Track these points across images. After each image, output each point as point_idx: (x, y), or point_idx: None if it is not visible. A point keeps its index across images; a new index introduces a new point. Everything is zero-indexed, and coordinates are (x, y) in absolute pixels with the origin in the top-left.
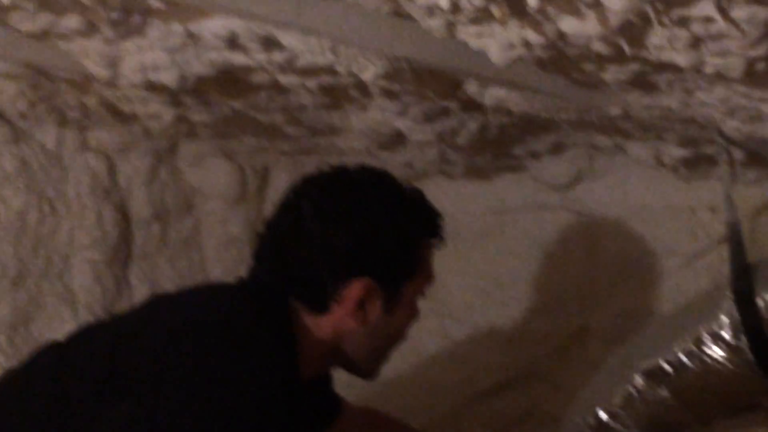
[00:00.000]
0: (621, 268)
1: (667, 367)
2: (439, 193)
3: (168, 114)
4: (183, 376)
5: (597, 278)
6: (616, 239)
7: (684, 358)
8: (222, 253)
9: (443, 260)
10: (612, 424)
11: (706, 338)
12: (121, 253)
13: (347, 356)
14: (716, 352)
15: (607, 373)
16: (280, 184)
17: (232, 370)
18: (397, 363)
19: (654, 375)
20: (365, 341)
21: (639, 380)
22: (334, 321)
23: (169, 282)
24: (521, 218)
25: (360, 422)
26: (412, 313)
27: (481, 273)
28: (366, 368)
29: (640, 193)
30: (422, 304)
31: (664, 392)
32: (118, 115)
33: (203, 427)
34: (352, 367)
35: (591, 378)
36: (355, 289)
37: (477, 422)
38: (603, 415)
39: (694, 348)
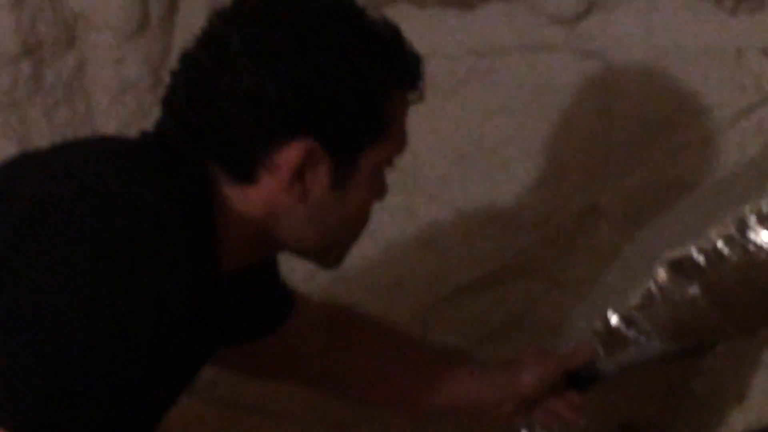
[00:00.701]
0: (642, 130)
1: (699, 257)
2: (405, 27)
3: None
4: (50, 267)
5: (610, 143)
6: (636, 91)
7: (722, 246)
8: (114, 103)
9: (410, 117)
10: (625, 330)
11: (752, 221)
12: None
13: (287, 242)
14: (764, 238)
15: (621, 265)
16: (194, 11)
17: (121, 258)
18: (351, 251)
19: (682, 268)
20: (308, 224)
21: (662, 274)
22: (264, 195)
23: (45, 138)
24: (513, 62)
25: (323, 321)
26: (376, 190)
27: (460, 135)
28: (318, 257)
29: (670, 30)
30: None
31: (694, 290)
32: None
33: (70, 339)
34: (300, 254)
35: (600, 272)
36: (291, 154)
37: (451, 327)
38: (614, 319)
39: (735, 233)
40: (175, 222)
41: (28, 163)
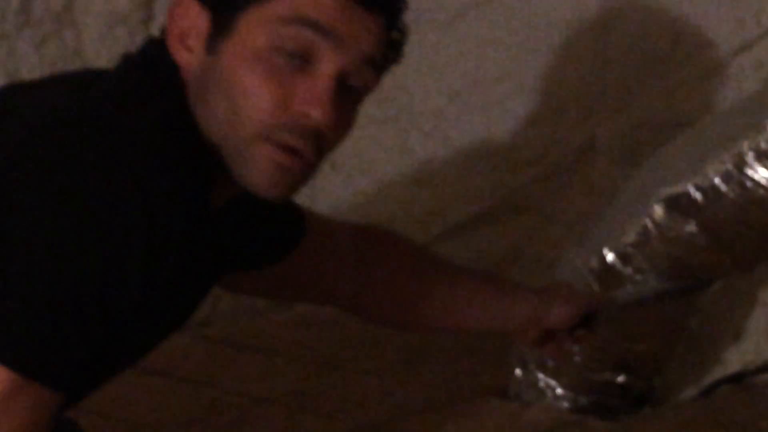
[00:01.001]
0: (639, 67)
1: (696, 194)
2: None
3: None
4: (40, 192)
5: (607, 77)
6: (634, 27)
7: (719, 183)
8: (105, 36)
9: (405, 53)
10: (621, 267)
11: (750, 157)
12: None
13: (209, 141)
14: (762, 174)
15: (618, 202)
16: None
17: (112, 181)
18: (345, 188)
19: (679, 204)
20: (200, 105)
21: (659, 211)
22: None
23: (34, 72)
24: None
25: (349, 242)
26: (259, 71)
27: (454, 68)
28: (235, 170)
29: None
30: (378, 111)
31: (691, 227)
32: None
33: (61, 264)
34: (229, 165)
35: (596, 208)
36: (175, 12)
37: None
38: (610, 256)
39: (733, 169)
40: (164, 145)
41: (15, 93)
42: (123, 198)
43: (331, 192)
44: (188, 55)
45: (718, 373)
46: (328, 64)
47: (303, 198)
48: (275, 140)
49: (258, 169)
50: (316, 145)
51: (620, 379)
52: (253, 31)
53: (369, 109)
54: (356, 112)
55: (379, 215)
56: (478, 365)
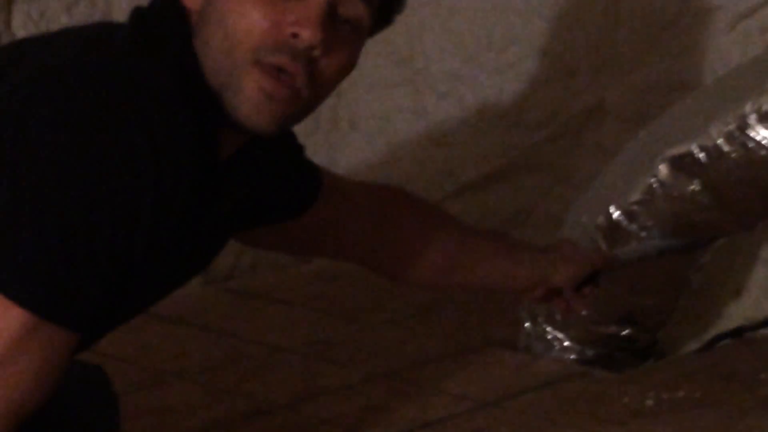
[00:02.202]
0: (647, 30)
1: (700, 153)
2: None
3: None
4: (49, 134)
5: (617, 40)
6: None
7: (722, 143)
8: None
9: (417, 15)
10: (627, 224)
11: (752, 118)
12: None
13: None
14: (764, 135)
15: (624, 161)
16: None
17: (121, 123)
18: (361, 147)
19: (683, 164)
20: (199, 41)
21: (664, 170)
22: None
23: None
24: None
25: (365, 200)
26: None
27: (468, 32)
28: (228, 102)
29: None
30: (395, 73)
31: (694, 186)
32: None
33: (72, 205)
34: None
35: (604, 168)
36: None
37: None
38: (616, 214)
39: (735, 130)
40: (171, 88)
41: (30, 42)
42: (134, 138)
43: (350, 151)
44: None
45: (719, 327)
46: None
47: (322, 157)
48: (265, 62)
49: (245, 96)
50: (307, 71)
51: (625, 332)
52: None
53: (386, 71)
54: (354, 51)
55: (395, 174)
56: (489, 318)
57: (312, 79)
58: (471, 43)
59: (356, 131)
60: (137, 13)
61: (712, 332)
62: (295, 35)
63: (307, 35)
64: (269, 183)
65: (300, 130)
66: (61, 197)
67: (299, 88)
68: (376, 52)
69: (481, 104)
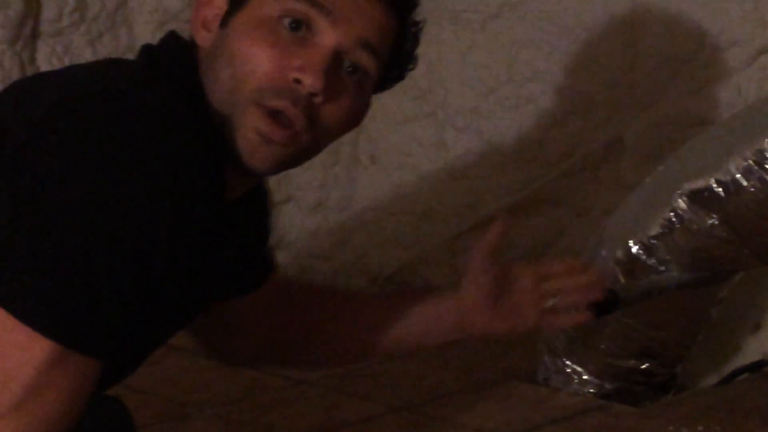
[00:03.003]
0: (666, 64)
1: (718, 188)
2: None
3: None
4: (64, 160)
5: (635, 76)
6: (660, 28)
7: (740, 178)
8: (156, 33)
9: (439, 48)
10: (645, 258)
11: None
12: (25, 29)
13: (213, 106)
14: None
15: (643, 195)
16: None
17: (136, 150)
18: (381, 181)
19: (701, 198)
20: (208, 75)
21: (682, 205)
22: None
23: None
24: None
25: (276, 293)
26: (259, 39)
27: (489, 66)
28: (229, 139)
29: None
30: (415, 108)
31: (713, 220)
32: None
33: (90, 231)
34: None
35: (622, 202)
36: (201, 1)
37: None
38: (635, 248)
39: (753, 164)
40: (183, 118)
41: (40, 77)
42: (151, 165)
43: (370, 185)
44: (208, 36)
45: (738, 361)
46: (323, 37)
47: (342, 190)
48: (266, 105)
49: (243, 135)
50: (307, 116)
51: (644, 366)
52: (263, 3)
53: (406, 105)
54: (358, 101)
55: (415, 207)
56: (508, 351)
57: (312, 124)
58: (491, 79)
59: (376, 165)
60: (146, 48)
61: (731, 366)
62: (297, 81)
63: (310, 82)
64: (257, 234)
65: (320, 163)
66: (83, 227)
67: (298, 132)
68: (395, 86)
69: (501, 139)
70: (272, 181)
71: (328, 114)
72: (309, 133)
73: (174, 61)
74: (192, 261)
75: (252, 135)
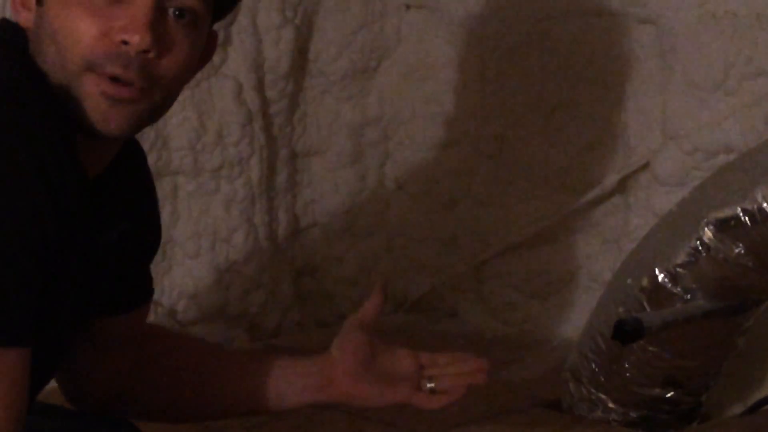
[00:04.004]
0: (695, 91)
1: (744, 217)
2: None
3: None
4: None
5: (665, 102)
6: (689, 56)
7: (766, 206)
8: None
9: (465, 76)
10: (671, 286)
11: None
12: None
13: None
14: None
15: (669, 224)
16: None
17: None
18: (408, 207)
19: (728, 227)
20: (37, 56)
21: (708, 233)
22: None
23: None
24: (569, 26)
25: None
26: (71, 3)
27: (516, 96)
28: (74, 110)
29: None
30: (442, 135)
31: (739, 248)
32: None
33: None
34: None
35: (649, 230)
36: None
37: (505, 282)
38: (661, 276)
39: None
40: (25, 97)
41: None
42: (5, 145)
43: (396, 211)
44: (29, 15)
45: (763, 391)
46: None
47: (368, 217)
48: (100, 72)
49: (89, 101)
50: (145, 73)
51: (669, 394)
52: None
53: (432, 132)
54: (193, 42)
55: (441, 234)
56: (534, 378)
57: (154, 81)
58: (518, 107)
59: (402, 191)
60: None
61: (756, 396)
62: (125, 42)
63: (136, 40)
64: (137, 209)
65: (346, 188)
66: None
67: (142, 91)
68: (423, 113)
69: (529, 166)
70: (298, 207)
71: (166, 67)
72: (154, 89)
73: (5, 44)
74: (76, 239)
75: (98, 99)
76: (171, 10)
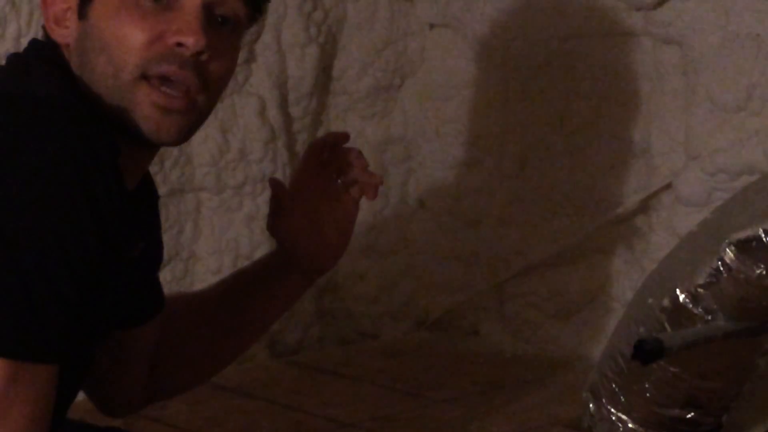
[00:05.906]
0: (716, 115)
1: (766, 238)
2: (487, 8)
3: None
4: None
5: (689, 123)
6: (712, 77)
7: None
8: None
9: (488, 96)
10: (692, 307)
11: None
12: None
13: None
14: None
15: (691, 244)
16: None
17: (37, 151)
18: (430, 225)
19: (749, 248)
20: (82, 70)
21: (729, 254)
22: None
23: None
24: (593, 47)
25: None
26: (120, 6)
27: (539, 115)
28: (126, 123)
29: (745, 17)
30: (465, 154)
31: (761, 269)
32: None
33: (19, 242)
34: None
35: (670, 250)
36: (46, 1)
37: (526, 300)
38: (682, 296)
39: None
40: (71, 114)
41: None
42: (54, 164)
43: (418, 229)
44: (66, 32)
45: None
46: None
47: (391, 234)
48: (154, 75)
49: (141, 110)
50: (198, 76)
51: (689, 415)
52: None
53: (456, 151)
54: (236, 49)
55: (463, 252)
56: (553, 397)
57: (205, 84)
58: (541, 126)
59: (425, 209)
60: (13, 57)
61: None
62: (179, 44)
63: (192, 42)
64: (153, 224)
65: (369, 207)
66: (6, 241)
67: (194, 96)
68: (446, 131)
69: (551, 185)
70: None
71: (216, 70)
72: (203, 93)
73: (45, 63)
74: (113, 254)
75: (150, 110)
76: (217, 16)
